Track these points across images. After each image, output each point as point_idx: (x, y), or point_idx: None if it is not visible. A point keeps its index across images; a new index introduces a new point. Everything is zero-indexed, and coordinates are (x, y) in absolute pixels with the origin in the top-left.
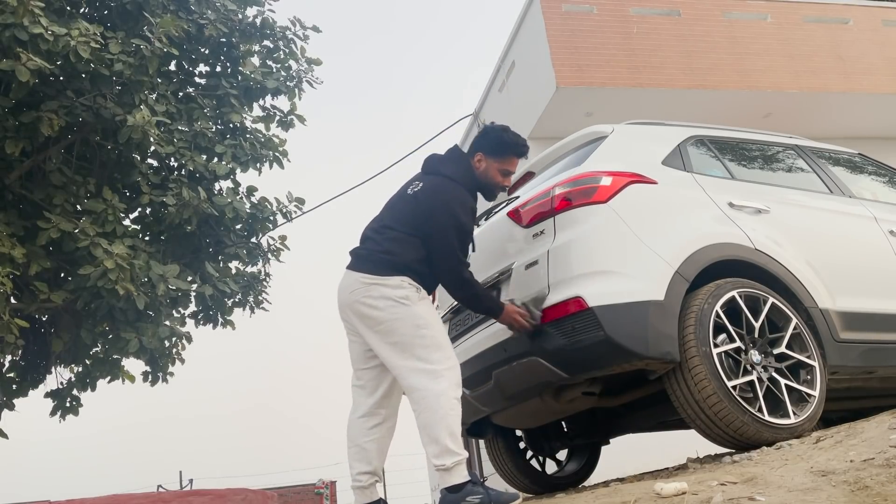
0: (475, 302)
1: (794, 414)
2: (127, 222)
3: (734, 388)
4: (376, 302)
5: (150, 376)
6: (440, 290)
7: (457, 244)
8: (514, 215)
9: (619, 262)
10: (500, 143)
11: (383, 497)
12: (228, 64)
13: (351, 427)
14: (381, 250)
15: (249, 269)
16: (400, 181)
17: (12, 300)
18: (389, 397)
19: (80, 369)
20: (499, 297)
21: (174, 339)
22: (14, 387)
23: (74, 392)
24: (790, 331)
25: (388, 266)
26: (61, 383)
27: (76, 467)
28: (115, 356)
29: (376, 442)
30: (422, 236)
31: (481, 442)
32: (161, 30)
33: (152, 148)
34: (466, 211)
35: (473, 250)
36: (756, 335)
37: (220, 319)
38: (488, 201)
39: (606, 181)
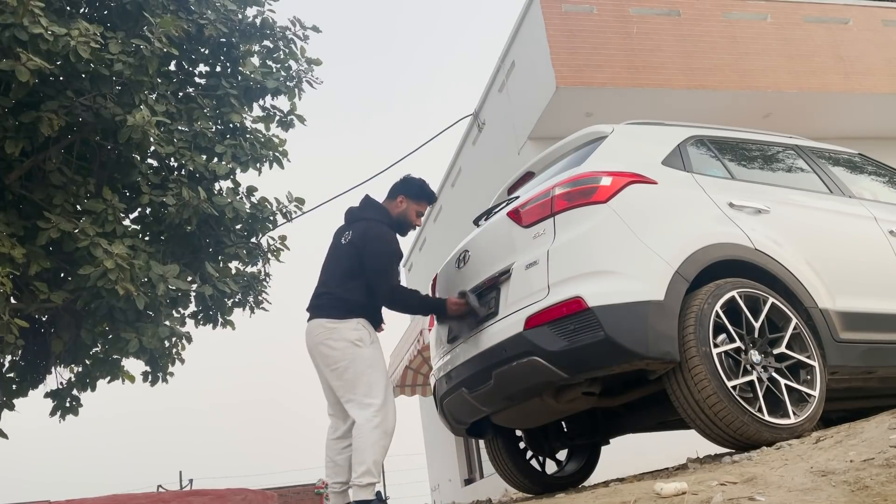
0: (413, 308)
1: (794, 414)
2: (127, 222)
3: (734, 388)
4: (335, 343)
5: (149, 376)
6: None
7: (390, 267)
8: (514, 215)
9: (618, 262)
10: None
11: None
12: (228, 64)
13: (328, 447)
14: (336, 297)
15: (249, 269)
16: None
17: (12, 300)
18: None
19: (80, 369)
20: (498, 296)
21: (174, 339)
22: (14, 387)
23: (74, 392)
24: (790, 331)
25: (345, 310)
26: (61, 383)
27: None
28: (115, 356)
29: (347, 459)
30: (361, 271)
31: (481, 442)
32: (161, 30)
33: (152, 148)
34: (393, 238)
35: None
36: (756, 335)
37: (220, 319)
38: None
39: (606, 181)
